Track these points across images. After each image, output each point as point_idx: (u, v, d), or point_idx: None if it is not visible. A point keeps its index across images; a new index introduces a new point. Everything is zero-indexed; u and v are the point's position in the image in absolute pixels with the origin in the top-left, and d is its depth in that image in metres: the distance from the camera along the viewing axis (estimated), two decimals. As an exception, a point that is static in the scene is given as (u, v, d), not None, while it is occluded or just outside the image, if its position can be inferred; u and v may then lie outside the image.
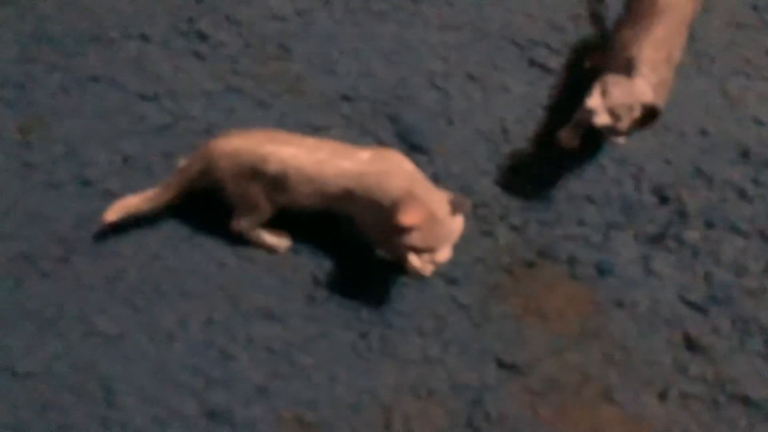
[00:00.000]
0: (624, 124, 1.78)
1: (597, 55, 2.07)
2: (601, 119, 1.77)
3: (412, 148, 1.98)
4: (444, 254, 1.67)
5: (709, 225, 1.93)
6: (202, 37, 2.11)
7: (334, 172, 1.69)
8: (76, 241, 1.81)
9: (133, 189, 1.82)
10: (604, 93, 1.77)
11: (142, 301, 1.76)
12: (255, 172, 1.69)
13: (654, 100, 1.78)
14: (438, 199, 1.65)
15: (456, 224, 1.67)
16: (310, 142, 1.73)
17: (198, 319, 1.75)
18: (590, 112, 1.76)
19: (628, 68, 1.81)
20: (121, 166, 1.90)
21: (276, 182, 1.70)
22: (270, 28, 2.14)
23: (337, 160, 1.70)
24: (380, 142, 1.98)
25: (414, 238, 1.62)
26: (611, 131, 1.81)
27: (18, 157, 1.89)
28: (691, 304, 1.83)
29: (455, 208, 1.66)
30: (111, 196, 1.82)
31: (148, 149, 1.93)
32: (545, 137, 2.02)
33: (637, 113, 1.78)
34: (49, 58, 2.04)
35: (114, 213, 1.75)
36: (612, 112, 1.76)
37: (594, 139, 1.95)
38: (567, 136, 1.97)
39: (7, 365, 1.68)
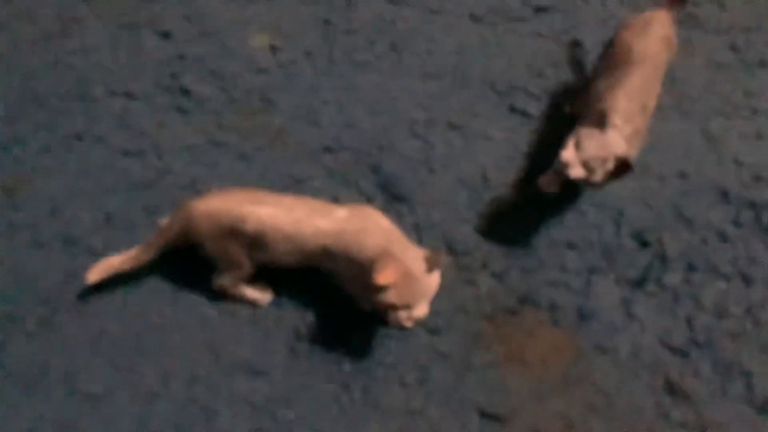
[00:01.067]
0: (598, 176, 1.80)
1: (577, 101, 2.10)
2: (576, 172, 1.79)
3: (394, 197, 2.00)
4: (421, 310, 1.68)
5: (691, 268, 1.94)
6: (186, 92, 2.14)
7: (312, 231, 1.71)
8: (60, 300, 1.82)
9: (115, 246, 1.85)
10: (578, 146, 1.80)
11: (124, 360, 1.77)
12: (234, 232, 1.72)
13: (626, 153, 1.80)
14: (414, 256, 1.67)
15: (432, 280, 1.68)
16: (288, 201, 1.75)
17: (181, 376, 1.76)
18: (565, 165, 1.79)
19: (601, 121, 1.83)
20: (104, 224, 1.92)
21: (255, 241, 1.72)
22: (253, 82, 2.18)
23: (315, 218, 1.72)
24: (362, 193, 2.00)
25: (390, 296, 1.63)
26: (586, 183, 1.83)
27: (3, 216, 1.91)
28: (672, 349, 1.84)
29: (431, 265, 1.67)
30: (94, 253, 1.85)
31: (131, 205, 1.95)
32: (526, 183, 2.04)
33: (610, 165, 1.80)
34: (35, 116, 2.07)
35: (97, 273, 1.77)
36: (586, 165, 1.79)
37: (574, 185, 1.97)
38: (547, 182, 1.99)
39: (-8, 426, 1.70)
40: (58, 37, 2.20)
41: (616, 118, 1.84)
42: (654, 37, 1.98)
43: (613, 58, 1.98)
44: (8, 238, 1.89)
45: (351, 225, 1.70)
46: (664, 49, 1.99)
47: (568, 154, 1.79)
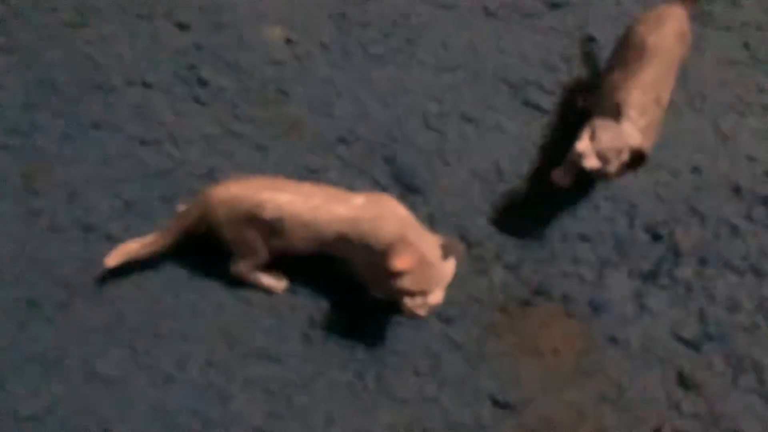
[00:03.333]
0: (612, 167, 1.81)
1: (589, 95, 2.11)
2: (590, 162, 1.80)
3: (408, 188, 2.02)
4: (436, 297, 1.70)
5: (703, 262, 1.95)
6: (203, 83, 2.16)
7: (329, 217, 1.73)
8: (78, 285, 1.84)
9: (133, 233, 1.87)
10: (592, 137, 1.81)
11: (141, 344, 1.79)
12: (252, 218, 1.73)
13: (641, 144, 1.82)
14: (430, 244, 1.68)
15: (447, 268, 1.70)
16: (306, 188, 1.77)
17: (197, 361, 1.78)
18: (579, 156, 1.80)
19: (616, 112, 1.85)
20: (122, 211, 1.94)
21: (272, 228, 1.74)
22: (269, 73, 2.20)
23: (332, 205, 1.73)
24: (376, 183, 2.02)
25: (406, 282, 1.65)
26: (600, 174, 1.84)
27: (23, 203, 1.94)
28: (684, 341, 1.85)
29: (447, 252, 1.69)
30: (112, 240, 1.87)
31: (149, 194, 1.97)
32: (539, 176, 2.05)
33: (625, 156, 1.82)
34: (54, 105, 2.09)
35: (115, 258, 1.79)
36: (601, 156, 1.80)
37: (587, 178, 1.98)
38: (560, 175, 2.00)
39: (11, 408, 1.71)
40: (76, 27, 2.22)
41: (631, 110, 1.85)
42: (668, 32, 1.99)
43: (626, 51, 1.99)
44: (28, 224, 1.91)
45: (368, 212, 1.72)
46: (678, 43, 2.01)
47: (583, 144, 1.80)
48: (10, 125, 2.05)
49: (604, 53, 2.23)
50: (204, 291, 1.85)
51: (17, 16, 2.23)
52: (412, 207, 1.93)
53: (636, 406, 1.76)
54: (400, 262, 1.62)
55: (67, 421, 1.70)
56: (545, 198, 2.02)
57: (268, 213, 1.72)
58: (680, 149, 2.11)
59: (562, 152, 2.00)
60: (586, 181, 1.99)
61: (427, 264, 1.66)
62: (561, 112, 2.17)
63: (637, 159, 1.83)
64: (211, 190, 1.78)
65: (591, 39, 2.29)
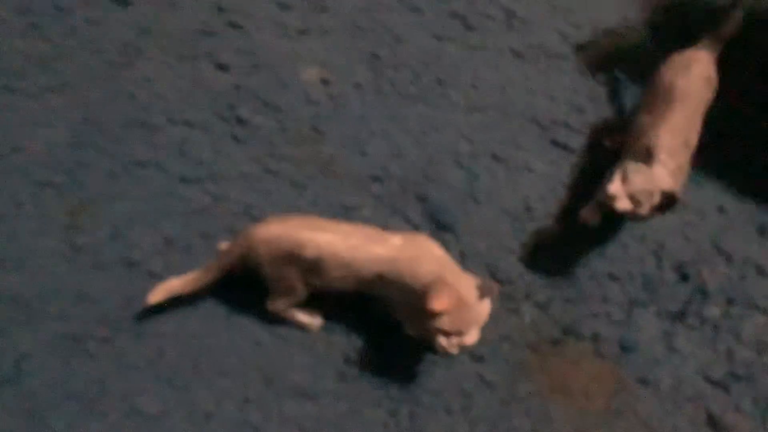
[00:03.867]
0: (644, 209, 1.85)
1: (617, 135, 2.15)
2: (622, 204, 1.84)
3: (439, 226, 2.05)
4: (472, 337, 1.73)
5: (730, 302, 1.97)
6: (241, 122, 2.21)
7: (368, 257, 1.76)
8: (120, 321, 1.88)
9: (174, 269, 1.91)
10: (624, 179, 1.85)
11: (181, 381, 1.82)
12: (292, 257, 1.77)
13: (672, 187, 1.85)
14: (467, 284, 1.72)
15: (483, 308, 1.73)
16: (345, 227, 1.81)
17: (234, 398, 1.81)
18: (611, 198, 1.84)
19: (647, 156, 1.88)
20: (164, 248, 1.98)
21: (312, 267, 1.78)
22: (304, 113, 2.25)
23: (371, 245, 1.77)
24: (409, 221, 2.06)
25: (443, 323, 1.68)
26: (632, 216, 1.88)
27: (67, 240, 1.98)
28: (713, 382, 1.87)
29: (483, 293, 1.72)
30: (153, 276, 1.91)
31: (189, 231, 2.01)
32: (568, 215, 2.08)
33: (656, 199, 1.85)
34: (98, 144, 2.14)
35: (158, 295, 1.83)
36: (632, 198, 1.83)
37: (615, 217, 1.99)
38: (588, 214, 2.03)
39: (52, 443, 1.75)
40: (121, 68, 2.28)
41: (662, 154, 1.89)
42: (695, 76, 2.04)
43: (654, 95, 2.04)
44: (71, 260, 1.95)
45: (405, 252, 1.76)
46: (705, 87, 2.05)
47: (614, 187, 1.84)
48: (56, 163, 2.10)
49: (629, 92, 2.28)
50: (242, 328, 1.89)
51: (64, 56, 2.29)
52: (444, 245, 1.97)
53: (666, 448, 1.79)
54: (438, 302, 1.66)
55: (107, 455, 1.74)
56: (574, 237, 2.05)
57: (309, 252, 1.76)
58: (707, 189, 2.14)
59: (589, 191, 2.04)
60: (613, 221, 2.02)
61: (464, 304, 1.69)
62: (589, 152, 2.20)
63: (668, 202, 1.86)
64: (253, 228, 1.82)
65: (617, 79, 2.34)
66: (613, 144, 2.15)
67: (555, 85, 2.34)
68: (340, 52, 2.37)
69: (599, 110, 2.29)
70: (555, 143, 2.23)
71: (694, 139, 2.01)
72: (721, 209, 2.12)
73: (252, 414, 1.79)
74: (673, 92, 2.00)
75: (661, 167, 1.87)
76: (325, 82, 2.30)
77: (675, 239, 2.06)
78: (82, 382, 1.81)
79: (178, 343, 1.86)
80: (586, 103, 2.30)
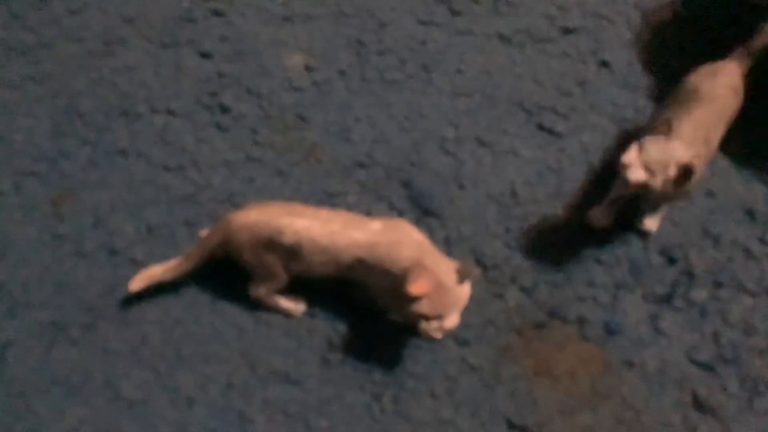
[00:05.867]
0: (658, 181, 1.79)
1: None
2: (636, 174, 1.78)
3: (424, 212, 2.05)
4: (452, 320, 1.72)
5: (717, 285, 1.96)
6: (224, 109, 2.21)
7: (347, 242, 1.76)
8: (102, 308, 1.88)
9: (157, 257, 1.91)
10: (640, 150, 1.80)
11: (164, 366, 1.82)
12: (271, 243, 1.77)
13: (690, 160, 1.79)
14: (446, 268, 1.71)
15: (463, 291, 1.72)
16: (324, 213, 1.81)
17: (217, 383, 1.81)
18: (625, 167, 1.78)
19: (667, 129, 1.84)
20: (146, 236, 1.98)
21: (291, 252, 1.78)
22: (288, 99, 2.24)
23: (350, 231, 1.77)
24: (394, 208, 2.05)
25: (423, 306, 1.68)
26: (645, 189, 1.82)
27: (49, 228, 1.99)
28: (699, 364, 1.86)
29: (462, 276, 1.71)
30: (136, 264, 1.91)
31: (172, 218, 2.01)
32: (554, 200, 2.08)
33: (672, 172, 1.79)
34: (80, 133, 2.14)
35: (139, 282, 1.83)
36: (647, 168, 1.79)
37: (625, 218, 2.00)
38: (599, 216, 2.00)
39: (36, 430, 1.75)
40: (102, 57, 2.28)
41: (681, 136, 1.86)
42: (721, 83, 2.02)
43: (681, 95, 2.01)
44: (54, 249, 1.96)
45: (385, 237, 1.75)
46: (731, 95, 2.02)
47: (629, 156, 1.79)
48: (38, 152, 2.10)
49: (617, 78, 2.27)
50: (225, 314, 1.89)
51: (44, 46, 2.29)
52: (429, 230, 1.97)
53: (652, 430, 1.77)
54: (417, 286, 1.65)
55: (91, 442, 1.75)
56: (560, 222, 2.04)
57: (287, 238, 1.76)
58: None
59: (576, 176, 2.02)
60: (623, 222, 2.01)
61: (443, 288, 1.68)
62: (575, 136, 2.19)
63: (683, 176, 1.80)
64: (232, 215, 1.82)
65: (604, 64, 2.33)
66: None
67: (542, 69, 2.33)
68: (324, 38, 2.37)
69: (587, 95, 2.27)
70: (541, 128, 2.21)
71: (715, 140, 1.98)
72: (709, 193, 2.10)
73: (235, 399, 1.79)
74: (698, 94, 1.98)
75: (679, 142, 1.82)
76: (308, 68, 2.30)
77: (662, 223, 2.05)
78: (66, 369, 1.81)
79: (161, 329, 1.86)
80: (573, 87, 2.29)
